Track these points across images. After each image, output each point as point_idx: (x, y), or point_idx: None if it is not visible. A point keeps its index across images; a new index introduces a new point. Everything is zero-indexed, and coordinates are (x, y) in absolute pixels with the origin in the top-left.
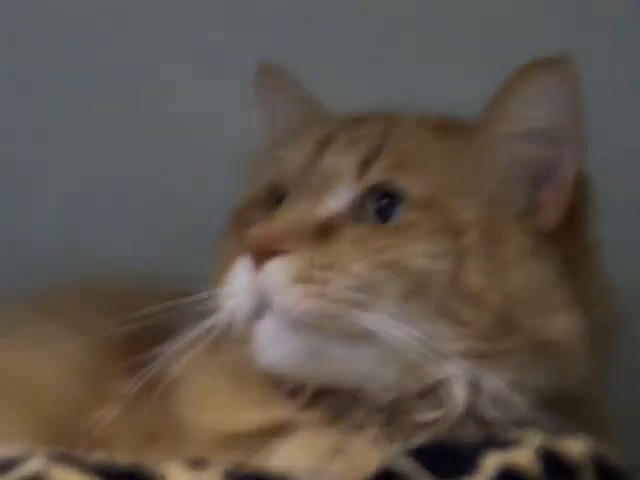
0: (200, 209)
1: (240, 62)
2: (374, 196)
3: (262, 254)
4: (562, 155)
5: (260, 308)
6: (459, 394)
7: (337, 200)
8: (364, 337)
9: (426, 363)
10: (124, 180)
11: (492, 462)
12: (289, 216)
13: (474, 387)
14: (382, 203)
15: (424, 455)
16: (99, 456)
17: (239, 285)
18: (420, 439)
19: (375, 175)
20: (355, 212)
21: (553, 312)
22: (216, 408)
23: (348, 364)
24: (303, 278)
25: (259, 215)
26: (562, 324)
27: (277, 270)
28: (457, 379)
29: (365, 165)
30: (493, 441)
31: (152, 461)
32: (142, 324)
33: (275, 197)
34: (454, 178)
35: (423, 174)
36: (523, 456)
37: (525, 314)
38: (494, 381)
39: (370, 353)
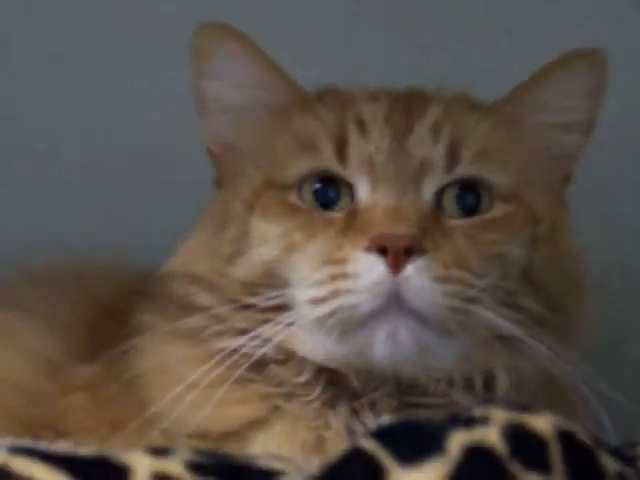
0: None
1: None
2: (459, 188)
3: (402, 254)
4: (582, 143)
5: (389, 306)
6: (503, 383)
7: (429, 192)
8: (467, 329)
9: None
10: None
11: (457, 442)
12: (407, 210)
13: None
14: (467, 195)
15: (389, 436)
16: (62, 446)
17: (370, 283)
18: (386, 419)
19: (464, 168)
20: (437, 203)
21: (584, 290)
22: (193, 403)
23: (443, 357)
24: (442, 278)
25: (297, 199)
26: (588, 301)
27: (418, 272)
28: (504, 368)
29: (452, 156)
30: (458, 419)
31: (117, 449)
32: (105, 310)
33: (324, 183)
34: (521, 168)
35: (503, 165)
36: (489, 434)
37: (571, 296)
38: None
39: (464, 344)
